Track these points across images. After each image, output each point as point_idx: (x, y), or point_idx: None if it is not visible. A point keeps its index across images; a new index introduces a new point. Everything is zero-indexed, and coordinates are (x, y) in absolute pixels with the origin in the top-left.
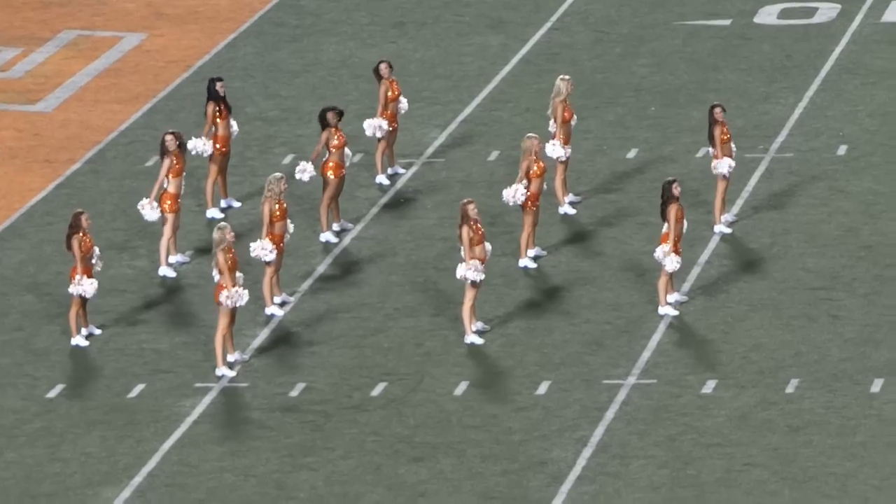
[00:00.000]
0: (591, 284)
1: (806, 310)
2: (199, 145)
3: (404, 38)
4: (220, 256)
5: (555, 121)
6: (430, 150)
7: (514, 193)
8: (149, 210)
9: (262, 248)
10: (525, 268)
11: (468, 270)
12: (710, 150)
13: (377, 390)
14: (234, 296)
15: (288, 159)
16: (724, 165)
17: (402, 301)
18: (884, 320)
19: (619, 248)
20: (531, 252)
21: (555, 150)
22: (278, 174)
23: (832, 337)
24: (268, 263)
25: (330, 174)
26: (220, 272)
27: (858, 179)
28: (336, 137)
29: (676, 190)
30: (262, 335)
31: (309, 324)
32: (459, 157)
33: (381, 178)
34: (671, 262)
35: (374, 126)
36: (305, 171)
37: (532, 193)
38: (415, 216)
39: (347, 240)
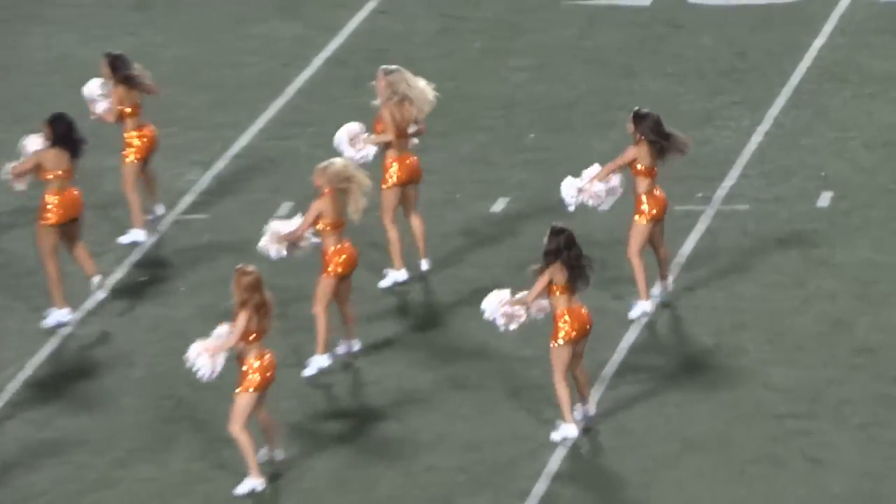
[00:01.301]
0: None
1: (770, 449)
2: None
3: (150, 28)
4: None
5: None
6: (186, 200)
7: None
8: None
9: None
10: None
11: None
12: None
13: None
14: None
15: None
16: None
17: (141, 439)
18: (891, 466)
19: (482, 347)
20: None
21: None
22: None
23: (812, 492)
24: None
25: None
26: None
27: (850, 245)
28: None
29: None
30: None
31: None
32: (231, 210)
33: (136, 235)
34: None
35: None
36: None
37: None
38: (161, 302)
39: (57, 340)
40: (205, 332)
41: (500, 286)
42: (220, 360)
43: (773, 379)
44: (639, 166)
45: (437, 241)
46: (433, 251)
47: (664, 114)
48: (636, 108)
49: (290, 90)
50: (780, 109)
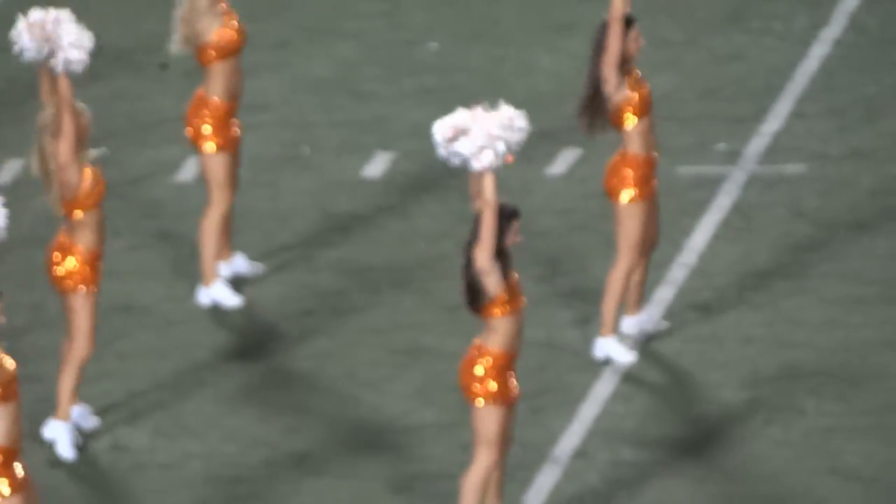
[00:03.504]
0: None
1: None
2: None
3: None
4: None
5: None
6: None
7: None
8: None
9: None
10: None
11: None
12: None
13: None
14: None
15: None
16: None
17: None
18: None
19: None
20: None
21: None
22: None
23: None
24: None
25: None
26: None
27: None
28: None
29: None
30: None
31: None
32: None
33: None
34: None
35: None
36: None
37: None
38: None
39: None
40: None
41: (376, 304)
42: None
43: (846, 460)
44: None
45: (270, 228)
46: (258, 249)
47: (657, 12)
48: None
49: None
50: (861, 1)
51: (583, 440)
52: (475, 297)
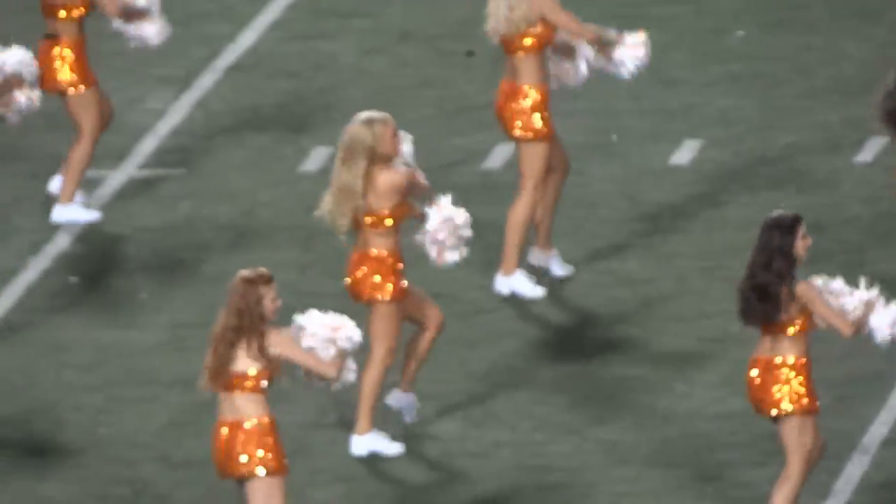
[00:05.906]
0: None
1: None
2: None
3: None
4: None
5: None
6: (148, 145)
7: None
8: None
9: None
10: None
11: None
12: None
13: None
14: None
15: None
16: None
17: None
18: None
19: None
20: None
21: None
22: None
23: None
24: None
25: None
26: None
27: None
28: None
29: (803, 243)
30: None
31: None
32: (226, 161)
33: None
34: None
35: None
36: None
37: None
38: (107, 320)
39: None
40: (185, 369)
41: (684, 291)
42: None
43: None
44: None
45: (578, 215)
46: (566, 237)
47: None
48: None
49: None
50: None
51: (891, 429)
52: (751, 314)
